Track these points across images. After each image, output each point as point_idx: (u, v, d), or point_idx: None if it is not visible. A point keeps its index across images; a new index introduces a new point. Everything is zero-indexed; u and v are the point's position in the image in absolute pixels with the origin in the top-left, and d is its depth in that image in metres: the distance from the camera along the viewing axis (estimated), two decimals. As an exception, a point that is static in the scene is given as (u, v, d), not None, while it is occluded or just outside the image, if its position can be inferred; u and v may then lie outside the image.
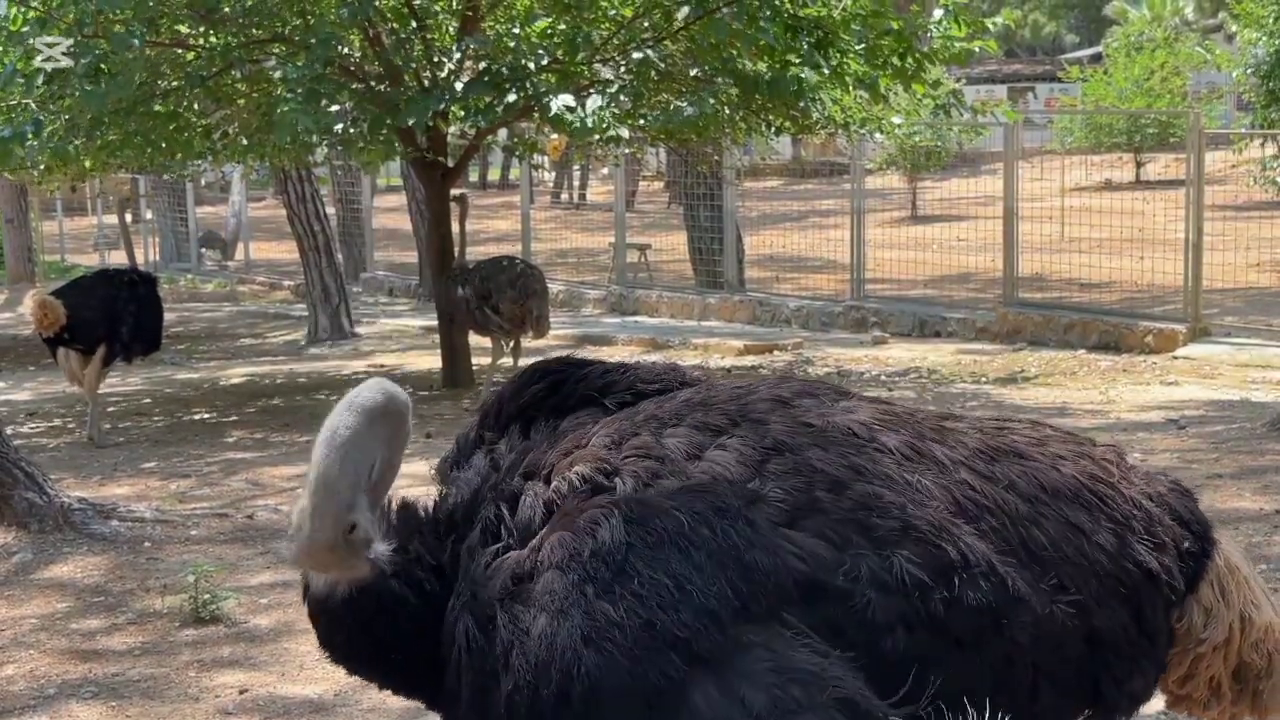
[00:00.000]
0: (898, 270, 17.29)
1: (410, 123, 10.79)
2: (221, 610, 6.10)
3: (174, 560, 7.00)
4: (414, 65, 11.65)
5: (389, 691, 2.82)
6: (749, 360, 14.25)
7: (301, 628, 3.77)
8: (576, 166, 32.05)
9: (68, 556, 7.07)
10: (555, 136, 16.21)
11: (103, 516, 7.53)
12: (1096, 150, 27.07)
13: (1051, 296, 15.79)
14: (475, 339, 12.74)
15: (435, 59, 11.67)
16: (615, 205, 19.68)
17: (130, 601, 6.42)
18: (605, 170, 26.17)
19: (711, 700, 2.21)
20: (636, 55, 11.28)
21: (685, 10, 11.09)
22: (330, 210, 19.85)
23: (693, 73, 11.81)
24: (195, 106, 12.05)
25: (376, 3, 11.02)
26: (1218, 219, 16.91)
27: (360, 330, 17.74)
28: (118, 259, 20.76)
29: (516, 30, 11.67)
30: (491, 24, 12.39)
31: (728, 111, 11.87)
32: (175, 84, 11.40)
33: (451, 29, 12.29)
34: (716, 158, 16.44)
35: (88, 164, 12.84)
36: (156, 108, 11.56)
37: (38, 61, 10.30)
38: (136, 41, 10.25)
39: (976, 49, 12.29)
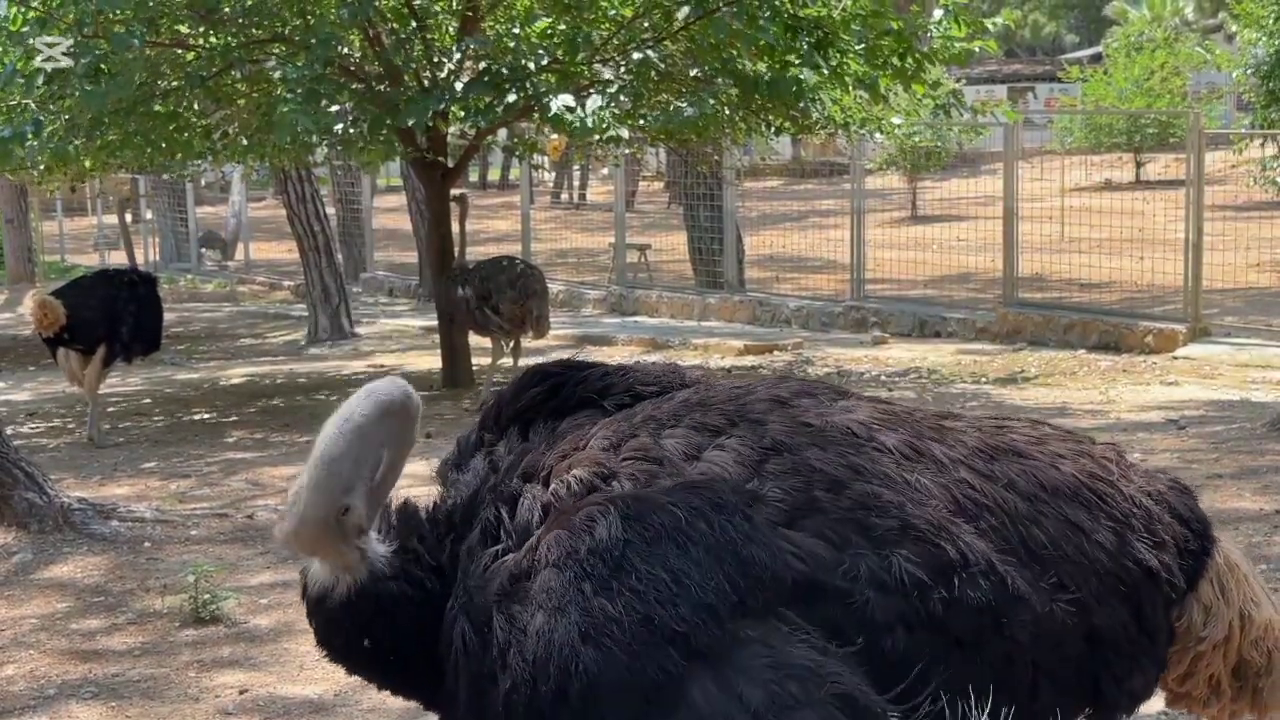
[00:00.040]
0: (898, 270, 17.29)
1: (410, 123, 10.79)
2: (221, 610, 6.10)
3: (174, 560, 7.00)
4: (414, 65, 11.65)
5: (388, 692, 2.82)
6: (749, 360, 14.25)
7: (301, 628, 3.76)
8: (576, 166, 32.05)
9: (68, 556, 7.07)
10: (555, 136, 16.20)
11: (103, 516, 7.53)
12: (1096, 150, 27.09)
13: (1051, 296, 15.79)
14: (475, 339, 12.74)
15: (435, 59, 11.67)
16: (615, 205, 19.68)
17: (130, 601, 6.42)
18: (605, 170, 26.16)
19: (709, 696, 2.22)
20: (636, 55, 11.29)
21: (685, 10, 11.10)
22: (330, 210, 19.85)
23: (693, 73, 11.81)
24: (195, 106, 12.05)
25: (376, 3, 11.02)
26: (1218, 219, 16.92)
27: (360, 330, 17.75)
28: (118, 259, 20.76)
29: (516, 30, 11.68)
30: (491, 24, 12.39)
31: (728, 112, 11.87)
32: (175, 84, 11.40)
33: (451, 29, 12.29)
34: (716, 158, 16.44)
35: (88, 164, 12.84)
36: (156, 108, 11.56)
37: (38, 61, 10.30)
38: (136, 41, 10.26)
39: (976, 49, 12.29)
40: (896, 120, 13.46)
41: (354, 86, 11.54)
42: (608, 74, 11.59)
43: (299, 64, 10.67)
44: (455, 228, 12.62)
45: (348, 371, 14.50)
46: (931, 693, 2.32)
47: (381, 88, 11.56)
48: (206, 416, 12.44)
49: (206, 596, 6.11)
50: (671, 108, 11.31)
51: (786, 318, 16.61)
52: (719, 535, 2.30)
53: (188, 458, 10.20)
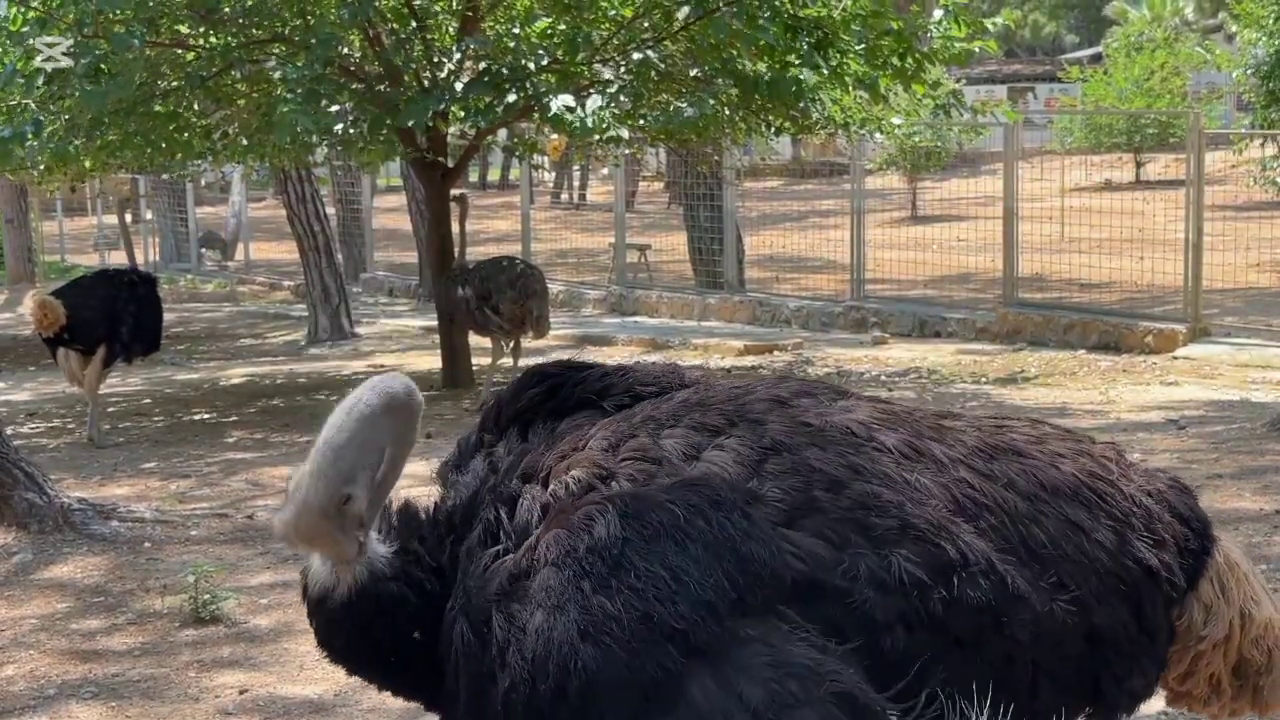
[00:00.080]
0: (898, 270, 17.29)
1: (410, 123, 10.78)
2: (221, 610, 6.10)
3: (174, 560, 7.00)
4: (414, 65, 11.65)
5: (389, 693, 2.82)
6: (749, 360, 14.25)
7: (301, 628, 3.76)
8: (576, 167, 32.05)
9: (68, 557, 7.07)
10: (555, 137, 16.21)
11: (103, 517, 7.53)
12: (1096, 150, 27.09)
13: (1051, 297, 15.79)
14: (475, 339, 12.75)
15: (435, 59, 11.67)
16: (615, 205, 19.68)
17: (130, 602, 6.42)
18: (605, 170, 26.17)
19: (709, 693, 2.22)
20: (636, 55, 11.29)
21: (685, 10, 11.10)
22: (330, 210, 19.85)
23: (693, 73, 11.81)
24: (195, 106, 12.05)
25: (376, 3, 11.02)
26: (1218, 219, 16.92)
27: (360, 330, 17.75)
28: (118, 259, 20.76)
29: (516, 30, 11.68)
30: (491, 24, 12.39)
31: (728, 112, 11.87)
32: (175, 84, 11.40)
33: (451, 29, 12.29)
34: (716, 158, 16.44)
35: (88, 164, 12.84)
36: (156, 108, 11.57)
37: (38, 61, 10.30)
38: (136, 41, 10.25)
39: (976, 49, 12.29)
40: (896, 120, 13.46)
41: (354, 86, 11.54)
42: (608, 74, 11.59)
43: (299, 64, 10.67)
44: (455, 228, 12.61)
45: (348, 372, 14.50)
46: (931, 692, 2.32)
47: (381, 88, 11.56)
48: (206, 416, 12.44)
49: (206, 596, 6.11)
50: (671, 108, 11.31)
51: (786, 318, 16.61)
52: (717, 532, 2.30)
53: (188, 458, 10.20)
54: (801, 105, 11.62)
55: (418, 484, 3.23)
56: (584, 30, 11.20)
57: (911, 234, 19.23)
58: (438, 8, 12.33)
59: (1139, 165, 26.78)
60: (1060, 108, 32.19)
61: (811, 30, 11.02)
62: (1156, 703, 2.83)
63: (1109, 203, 17.90)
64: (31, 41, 10.40)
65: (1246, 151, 21.55)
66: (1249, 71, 20.72)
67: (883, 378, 12.65)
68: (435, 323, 13.60)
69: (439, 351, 13.16)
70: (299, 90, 10.43)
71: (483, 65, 11.36)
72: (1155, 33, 32.89)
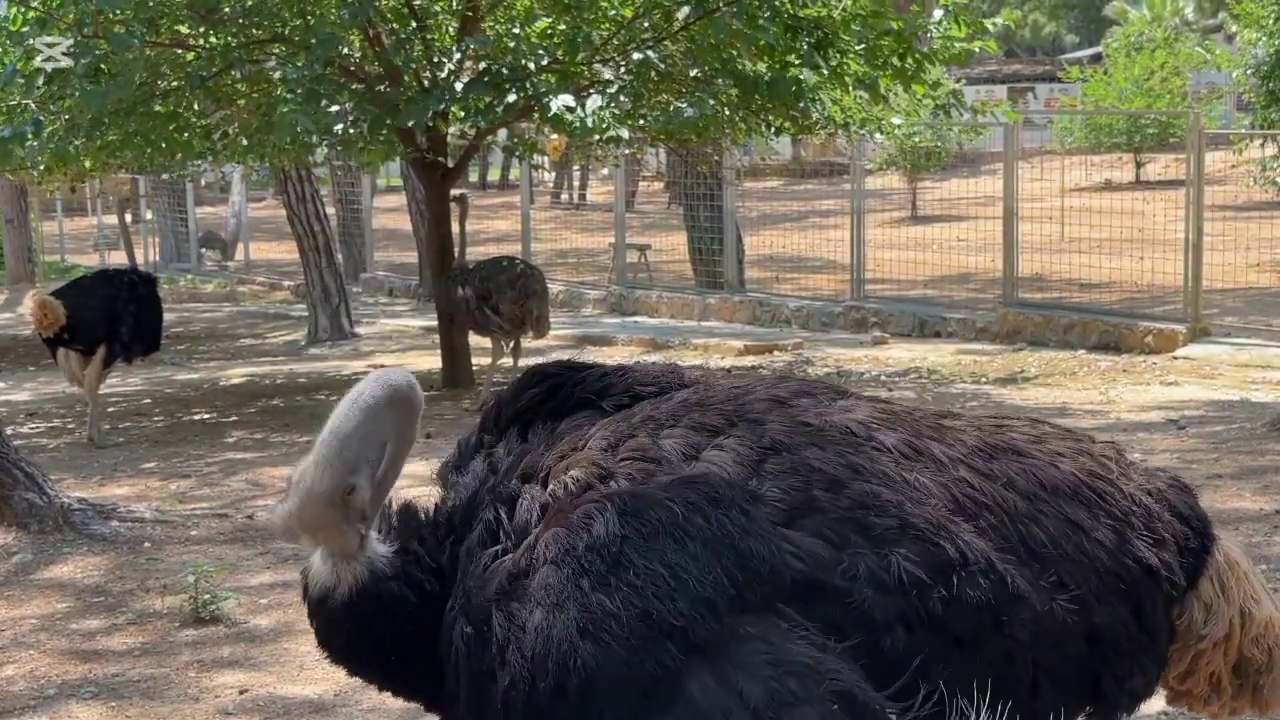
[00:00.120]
0: (898, 270, 17.29)
1: (410, 123, 10.79)
2: (221, 610, 6.10)
3: (174, 560, 7.00)
4: (414, 65, 11.65)
5: (389, 693, 2.82)
6: (749, 360, 14.25)
7: (301, 628, 3.76)
8: (576, 167, 32.05)
9: (68, 557, 7.07)
10: (555, 137, 16.21)
11: (103, 517, 7.53)
12: (1096, 150, 27.09)
13: (1051, 297, 15.80)
14: (475, 339, 12.75)
15: (435, 59, 11.67)
16: (615, 205, 19.69)
17: (130, 601, 6.42)
18: (605, 170, 26.17)
19: (708, 690, 2.22)
20: (636, 56, 11.29)
21: (685, 10, 11.10)
22: (330, 210, 19.86)
23: (693, 73, 11.81)
24: (195, 106, 12.05)
25: (377, 3, 11.03)
26: (1218, 219, 16.92)
27: (360, 330, 17.75)
28: (118, 259, 20.76)
29: (516, 30, 11.68)
30: (491, 24, 12.39)
31: (728, 112, 11.87)
32: (175, 84, 11.40)
33: (451, 29, 12.29)
34: (716, 158, 16.44)
35: (88, 164, 12.84)
36: (156, 108, 11.57)
37: (38, 61, 10.31)
38: (136, 41, 10.25)
39: (976, 49, 12.29)
40: (896, 120, 13.46)
41: (354, 87, 11.55)
42: (608, 74, 11.59)
43: (299, 64, 10.67)
44: (455, 228, 12.62)
45: (348, 372, 14.50)
46: (931, 691, 2.32)
47: (381, 88, 11.56)
48: (206, 416, 12.44)
49: (206, 596, 6.11)
50: (671, 108, 11.31)
51: (786, 318, 16.62)
52: (716, 529, 2.31)
53: (188, 458, 10.20)
54: (801, 105, 11.62)
55: (418, 484, 3.23)
56: (584, 30, 11.20)
57: (911, 234, 19.23)
58: (438, 8, 12.33)
59: (1139, 165, 26.78)
60: (1060, 108, 32.19)
61: (811, 30, 11.02)
62: (1157, 702, 2.83)
63: (1109, 203, 17.90)
64: (31, 41, 10.40)
65: (1246, 151, 21.56)
66: (1249, 71, 20.72)
67: (883, 378, 12.66)
68: (435, 323, 13.60)
69: (439, 351, 13.16)
70: (299, 90, 10.43)
71: (483, 65, 11.36)
72: (1155, 33, 32.89)
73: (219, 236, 27.29)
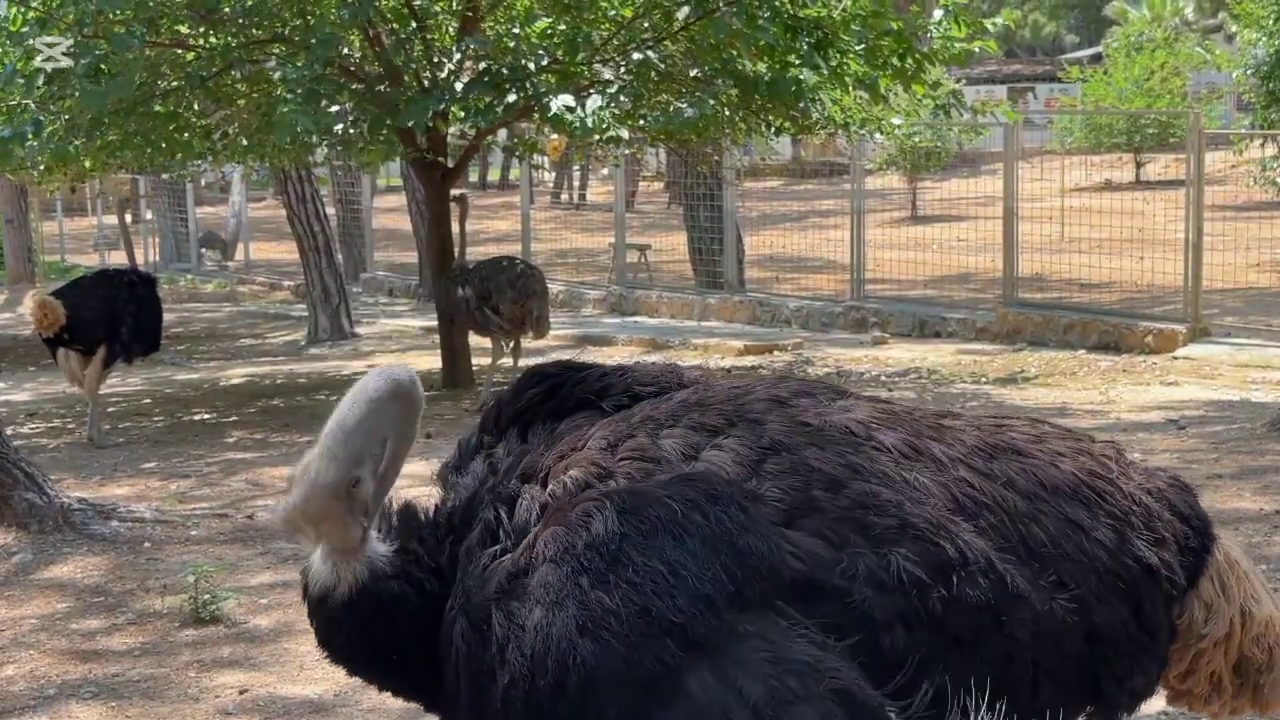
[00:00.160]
0: (898, 270, 17.29)
1: (410, 123, 10.79)
2: (221, 610, 6.10)
3: (174, 560, 7.00)
4: (414, 65, 11.65)
5: (389, 693, 2.83)
6: (749, 361, 14.25)
7: (301, 628, 3.76)
8: (576, 167, 32.05)
9: (68, 557, 7.07)
10: (555, 137, 16.21)
11: (103, 517, 7.53)
12: (1096, 150, 27.10)
13: (1051, 297, 15.80)
14: (475, 339, 12.75)
15: (435, 59, 11.67)
16: (615, 205, 19.68)
17: (130, 601, 6.42)
18: (605, 170, 26.17)
19: (708, 688, 2.22)
20: (636, 56, 11.29)
21: (685, 10, 11.10)
22: (330, 210, 19.85)
23: (693, 73, 11.81)
24: (195, 106, 12.05)
25: (377, 3, 11.02)
26: (1218, 219, 16.92)
27: (360, 330, 17.75)
28: (118, 259, 20.75)
29: (516, 30, 11.67)
30: (491, 24, 12.39)
31: (728, 112, 11.87)
32: (175, 84, 11.40)
33: (451, 29, 12.29)
34: (716, 158, 16.44)
35: (88, 164, 12.84)
36: (156, 108, 11.57)
37: (38, 61, 10.30)
38: (136, 41, 10.26)
39: (976, 49, 12.29)
40: (896, 120, 13.46)
41: (354, 87, 11.55)
42: (608, 74, 11.59)
43: (299, 64, 10.67)
44: (455, 228, 12.62)
45: (348, 372, 14.49)
46: (930, 690, 2.32)
47: (381, 88, 11.56)
48: (206, 417, 12.44)
49: (206, 596, 6.11)
50: (671, 108, 11.31)
51: (786, 318, 16.61)
52: (715, 526, 2.31)
53: (188, 458, 10.20)
54: (801, 105, 11.62)
55: (418, 484, 3.24)
56: (584, 30, 11.20)
57: (911, 234, 19.23)
58: (438, 8, 12.33)
59: (1139, 165, 26.78)
60: (1060, 108, 32.20)
61: (811, 30, 11.02)
62: (1157, 702, 2.83)
63: (1109, 203, 17.90)
64: (31, 41, 10.40)
65: (1246, 151, 21.56)
66: (1249, 71, 20.72)
67: (883, 378, 12.65)
68: (435, 323, 13.60)
69: (439, 352, 13.16)
70: (299, 90, 10.43)
71: (483, 65, 11.36)
72: (1155, 33, 32.89)
73: (219, 236, 27.29)
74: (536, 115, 11.47)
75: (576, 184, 33.38)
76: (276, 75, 11.24)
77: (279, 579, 6.57)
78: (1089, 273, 15.99)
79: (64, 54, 10.28)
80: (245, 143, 12.48)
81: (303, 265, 17.75)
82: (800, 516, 2.35)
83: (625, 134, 11.41)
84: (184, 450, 10.53)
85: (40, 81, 10.44)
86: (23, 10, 10.71)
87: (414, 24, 11.75)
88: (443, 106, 10.88)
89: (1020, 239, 15.13)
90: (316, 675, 5.33)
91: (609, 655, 2.24)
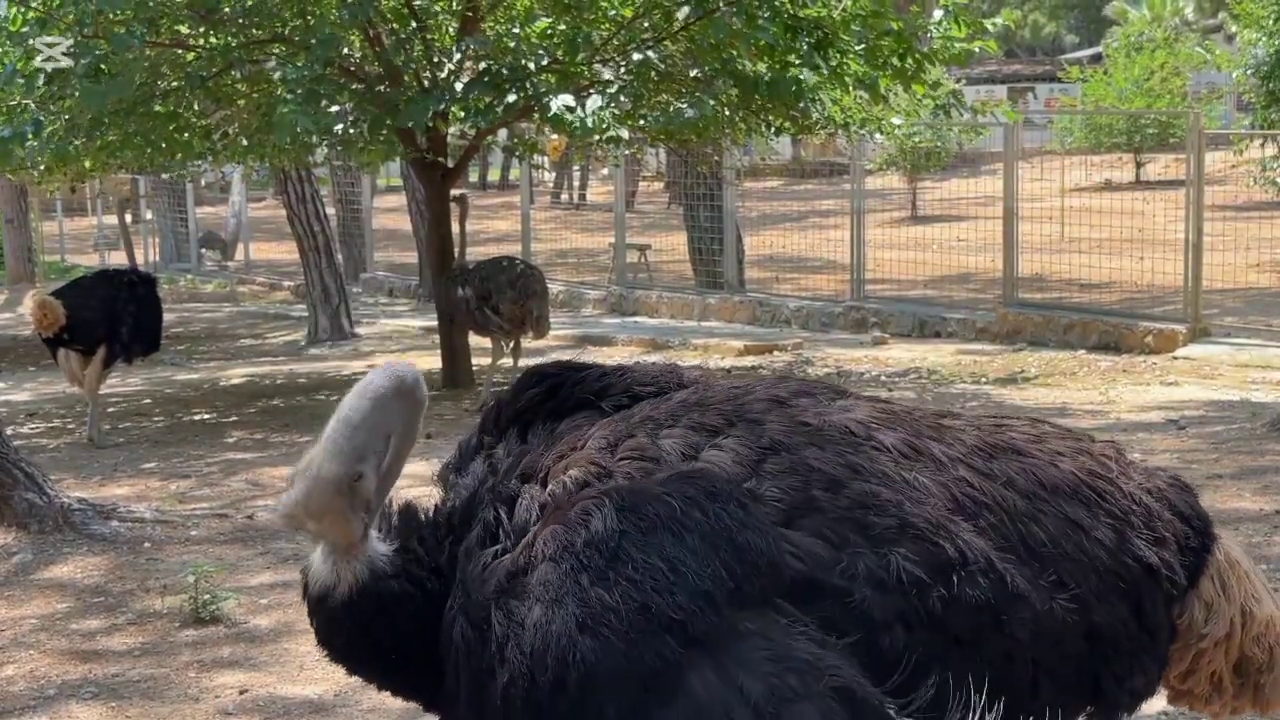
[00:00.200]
0: (898, 270, 17.29)
1: (410, 123, 10.79)
2: (221, 610, 6.10)
3: (174, 560, 7.00)
4: (414, 66, 11.65)
5: (389, 693, 2.83)
6: (749, 361, 14.25)
7: (301, 628, 3.77)
8: (576, 167, 32.06)
9: (68, 557, 7.07)
10: (555, 137, 16.22)
11: (103, 517, 7.53)
12: (1096, 150, 27.10)
13: (1051, 297, 15.80)
14: (475, 339, 12.75)
15: (435, 59, 11.67)
16: (615, 205, 19.68)
17: (130, 602, 6.42)
18: (605, 170, 26.17)
19: (709, 685, 2.22)
20: (636, 56, 11.29)
21: (685, 10, 11.10)
22: (330, 210, 19.85)
23: (693, 73, 11.81)
24: (195, 107, 12.05)
25: (376, 3, 11.02)
26: (1218, 219, 16.92)
27: (360, 331, 17.75)
28: (118, 259, 20.75)
29: (516, 30, 11.68)
30: (491, 24, 12.39)
31: (728, 112, 11.87)
32: (175, 84, 11.40)
33: (451, 29, 12.29)
34: (716, 158, 16.44)
35: (88, 164, 12.84)
36: (156, 108, 11.57)
37: (38, 61, 10.31)
38: (136, 41, 10.26)
39: (976, 49, 12.29)
40: (896, 120, 13.46)
41: (354, 87, 11.55)
42: (608, 74, 11.59)
43: (299, 64, 10.67)
44: (455, 228, 12.62)
45: (348, 372, 14.49)
46: (930, 690, 2.32)
47: (381, 88, 11.57)
48: (206, 417, 12.44)
49: (206, 597, 6.11)
50: (671, 108, 11.31)
51: (786, 318, 16.62)
52: (714, 523, 2.31)
53: (188, 458, 10.20)
54: (801, 105, 11.62)
55: (418, 484, 3.24)
56: (584, 30, 11.20)
57: (911, 234, 19.23)
58: (438, 8, 12.34)
59: (1139, 165, 26.78)
60: (1060, 108, 32.20)
61: (811, 30, 11.02)
62: (1158, 702, 2.83)
63: (1109, 203, 17.90)
64: (31, 41, 10.41)
65: (1246, 152, 21.56)
66: (1249, 71, 20.72)
67: (883, 378, 12.66)
68: (435, 323, 13.60)
69: (439, 352, 13.16)
70: (299, 90, 10.43)
71: (483, 65, 11.36)
72: (1155, 33, 32.90)
73: (219, 236, 27.29)
74: (536, 115, 11.47)
75: (576, 184, 33.39)
76: (276, 75, 11.24)
77: (279, 579, 6.57)
78: (1089, 273, 15.99)
79: (64, 54, 10.28)
80: (245, 143, 12.48)
81: (303, 265, 17.75)
82: (800, 516, 2.35)
83: (625, 134, 11.42)
84: (184, 450, 10.53)
85: (40, 81, 10.45)
86: (23, 10, 10.71)
87: (414, 24, 11.75)
88: (443, 106, 10.89)
89: (1020, 239, 15.13)
90: (316, 675, 5.33)
91: (609, 652, 2.24)
